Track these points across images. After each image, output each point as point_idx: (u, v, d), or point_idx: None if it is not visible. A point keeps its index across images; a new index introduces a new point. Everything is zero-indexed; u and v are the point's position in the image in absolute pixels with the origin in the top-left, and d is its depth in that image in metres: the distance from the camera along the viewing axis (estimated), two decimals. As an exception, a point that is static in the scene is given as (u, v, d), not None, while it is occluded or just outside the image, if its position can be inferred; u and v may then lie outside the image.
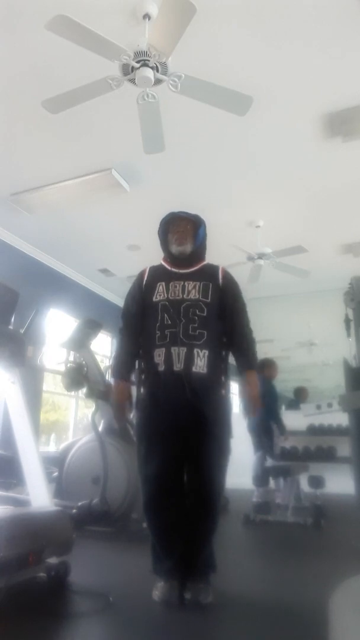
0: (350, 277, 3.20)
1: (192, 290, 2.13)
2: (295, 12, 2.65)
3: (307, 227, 5.14)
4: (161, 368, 2.04)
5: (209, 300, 2.12)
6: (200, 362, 2.03)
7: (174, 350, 2.03)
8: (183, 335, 2.04)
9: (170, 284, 2.15)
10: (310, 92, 3.24)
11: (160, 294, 2.14)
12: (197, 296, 2.11)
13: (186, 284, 2.14)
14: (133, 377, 2.23)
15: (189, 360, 2.01)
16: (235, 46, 2.88)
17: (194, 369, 2.01)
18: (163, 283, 2.16)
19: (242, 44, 2.87)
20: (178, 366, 2.01)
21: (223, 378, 2.13)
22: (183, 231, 2.24)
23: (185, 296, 2.11)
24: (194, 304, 2.10)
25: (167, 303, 2.11)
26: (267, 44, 2.86)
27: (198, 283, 2.15)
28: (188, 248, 2.22)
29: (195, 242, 2.26)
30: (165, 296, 2.12)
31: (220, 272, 2.25)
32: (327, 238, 5.41)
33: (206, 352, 2.04)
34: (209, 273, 2.23)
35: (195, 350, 2.03)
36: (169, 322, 2.07)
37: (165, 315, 2.09)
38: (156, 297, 2.14)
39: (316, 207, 4.77)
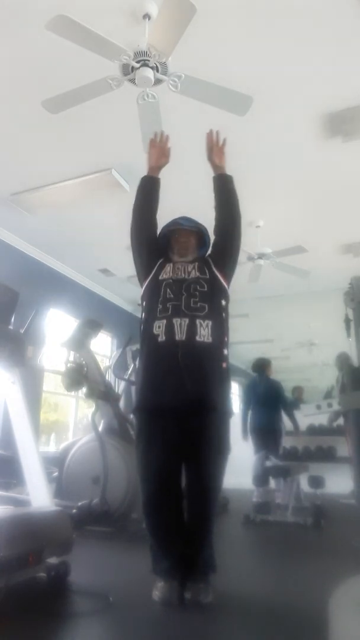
0: (350, 277, 3.21)
1: (192, 271, 2.21)
2: (295, 12, 2.65)
3: (307, 227, 5.14)
4: (161, 339, 2.05)
5: (207, 276, 2.19)
6: (204, 332, 2.05)
7: (176, 321, 2.05)
8: (185, 308, 2.08)
9: (175, 266, 2.24)
10: (310, 92, 3.24)
11: (166, 272, 2.21)
12: (197, 274, 2.19)
13: (186, 265, 2.24)
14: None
15: (192, 330, 2.04)
16: (235, 46, 2.88)
17: (197, 339, 2.03)
18: (171, 264, 2.25)
19: (242, 44, 2.87)
20: (179, 336, 2.03)
21: (225, 351, 2.15)
22: (185, 242, 2.31)
23: (186, 276, 2.19)
24: (194, 280, 2.17)
25: (171, 281, 2.17)
26: (267, 44, 2.87)
27: (196, 263, 2.24)
28: (189, 258, 2.29)
29: (198, 253, 2.34)
30: (170, 275, 2.20)
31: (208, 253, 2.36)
32: (327, 238, 5.41)
33: (209, 323, 2.08)
34: (204, 257, 2.33)
35: (197, 321, 2.06)
36: (172, 296, 2.12)
37: (168, 289, 2.14)
38: (162, 276, 2.20)
39: (316, 207, 4.77)
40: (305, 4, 2.61)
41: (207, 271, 2.21)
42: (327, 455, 5.66)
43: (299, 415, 6.02)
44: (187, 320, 2.05)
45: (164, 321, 2.07)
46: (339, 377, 4.48)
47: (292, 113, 3.45)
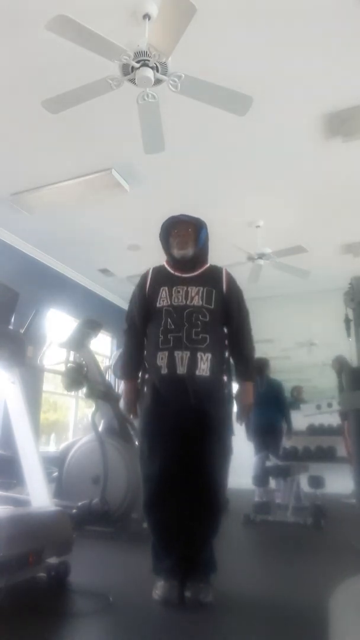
0: (350, 277, 3.20)
1: (196, 297, 2.14)
2: (295, 12, 2.65)
3: (307, 227, 5.14)
4: (164, 371, 2.06)
5: (212, 306, 2.14)
6: (204, 366, 2.05)
7: (177, 354, 2.05)
8: (186, 340, 2.06)
9: (174, 289, 2.16)
10: (310, 92, 3.24)
11: (163, 299, 2.16)
12: (201, 302, 2.13)
13: (189, 289, 2.15)
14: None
15: (193, 364, 2.04)
16: (235, 46, 2.88)
17: (197, 372, 2.03)
18: (166, 288, 2.17)
19: (242, 44, 2.87)
20: (181, 369, 2.03)
21: (225, 378, 2.17)
22: (184, 235, 2.26)
23: (188, 302, 2.12)
24: (197, 310, 2.11)
25: (170, 309, 2.12)
26: (267, 44, 2.87)
27: (201, 288, 2.16)
28: (190, 252, 2.24)
29: (197, 245, 2.27)
30: (169, 302, 2.14)
31: (224, 277, 2.27)
32: (327, 238, 5.41)
33: (209, 356, 2.07)
34: (213, 277, 2.25)
35: (198, 354, 2.05)
36: (173, 326, 2.09)
37: (169, 319, 2.11)
38: (159, 303, 2.16)
39: (316, 207, 4.77)
40: (305, 4, 2.61)
41: (213, 302, 2.14)
42: (327, 455, 5.64)
43: (299, 415, 6.02)
44: (188, 354, 2.04)
45: (166, 353, 2.07)
46: (339, 381, 4.48)
47: (292, 113, 3.45)
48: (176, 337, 2.07)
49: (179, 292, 2.15)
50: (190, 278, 2.20)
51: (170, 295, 2.15)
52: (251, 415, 5.20)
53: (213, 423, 2.04)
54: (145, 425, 2.14)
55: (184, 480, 2.05)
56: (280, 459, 4.78)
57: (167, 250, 2.31)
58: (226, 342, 2.21)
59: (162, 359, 2.07)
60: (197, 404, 2.02)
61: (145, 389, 2.19)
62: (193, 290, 2.15)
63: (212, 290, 2.17)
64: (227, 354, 2.21)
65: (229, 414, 2.16)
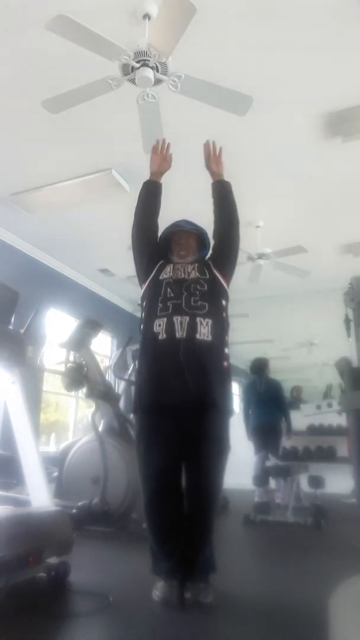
0: (350, 277, 3.20)
1: (192, 271, 2.21)
2: (295, 12, 2.65)
3: (307, 227, 5.14)
4: (162, 336, 2.05)
5: (207, 276, 2.21)
6: (204, 330, 2.06)
7: (176, 319, 2.06)
8: (186, 306, 2.09)
9: (175, 266, 2.25)
10: (310, 92, 3.24)
11: (167, 273, 2.22)
12: (197, 275, 2.20)
13: (186, 266, 2.25)
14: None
15: (193, 328, 2.04)
16: (235, 46, 2.88)
17: (197, 336, 2.03)
18: (171, 265, 2.26)
19: (242, 43, 2.87)
20: (180, 334, 2.03)
21: (226, 350, 2.16)
22: (185, 244, 2.34)
23: (186, 276, 2.19)
24: (194, 280, 2.18)
25: (171, 280, 2.18)
26: (267, 43, 2.86)
27: (196, 264, 2.26)
28: (189, 260, 2.30)
29: (198, 255, 2.35)
30: (170, 275, 2.21)
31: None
32: (327, 238, 5.41)
33: (209, 321, 2.08)
34: (204, 259, 2.35)
35: (198, 319, 2.07)
36: (172, 295, 2.13)
37: (169, 289, 2.15)
38: (162, 276, 2.21)
39: (316, 207, 4.77)
40: (305, 4, 2.61)
41: (207, 272, 2.22)
42: (327, 455, 5.64)
43: (299, 415, 6.02)
44: (187, 318, 2.05)
45: (165, 319, 2.07)
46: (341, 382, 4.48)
47: (292, 113, 3.45)
48: (175, 303, 2.10)
49: (178, 268, 2.23)
50: (188, 261, 2.30)
51: (173, 270, 2.22)
52: (250, 414, 5.24)
53: (212, 416, 2.02)
54: (140, 424, 2.13)
55: (181, 478, 2.05)
56: (279, 458, 4.79)
57: (167, 252, 2.35)
58: (224, 314, 2.21)
59: (159, 326, 2.08)
60: (196, 388, 1.97)
61: (140, 367, 2.19)
62: (189, 266, 2.24)
63: (202, 265, 2.26)
64: (226, 325, 2.20)
65: (229, 395, 2.15)
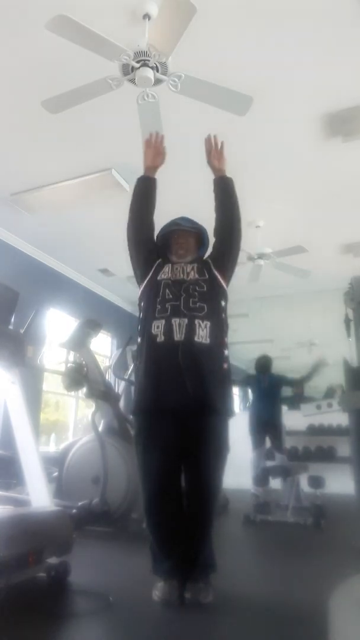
0: (350, 277, 3.20)
1: (191, 272, 2.20)
2: (295, 12, 2.65)
3: (307, 227, 5.14)
4: (160, 339, 2.04)
5: (206, 277, 2.19)
6: (203, 332, 2.04)
7: (175, 321, 2.04)
8: (184, 308, 2.07)
9: (173, 266, 2.23)
10: (310, 92, 3.24)
11: (165, 273, 2.20)
12: (196, 276, 2.18)
13: (185, 266, 2.23)
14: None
15: (191, 330, 2.02)
16: (235, 46, 2.88)
17: (196, 339, 2.02)
18: (170, 265, 2.24)
19: (242, 44, 2.87)
20: (178, 336, 2.01)
21: (226, 352, 2.15)
22: (184, 243, 2.31)
23: (185, 277, 2.18)
24: (193, 282, 2.16)
25: (170, 282, 2.16)
26: (267, 44, 2.86)
27: (195, 265, 2.24)
28: (188, 259, 2.28)
29: (197, 254, 2.33)
30: (169, 276, 2.19)
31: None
32: (327, 238, 5.41)
33: (208, 324, 2.07)
34: (203, 259, 2.33)
35: (196, 321, 2.05)
36: (171, 296, 2.11)
37: (167, 290, 2.14)
38: (161, 276, 2.19)
39: (316, 207, 4.77)
40: (305, 4, 2.61)
41: (206, 272, 2.20)
42: (327, 455, 5.66)
43: (299, 415, 6.03)
44: (186, 321, 2.03)
45: (163, 321, 2.06)
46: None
47: (292, 113, 3.45)
48: (174, 305, 2.08)
49: (177, 269, 2.21)
50: (187, 261, 2.28)
51: (171, 270, 2.20)
52: (252, 409, 5.25)
53: (211, 419, 2.02)
54: (139, 425, 2.12)
55: (181, 478, 2.05)
56: (282, 452, 4.80)
57: (165, 250, 2.33)
58: (223, 315, 2.19)
59: (157, 327, 2.06)
60: (194, 392, 1.96)
61: (138, 369, 2.16)
62: (188, 266, 2.22)
63: (201, 265, 2.24)
64: (225, 328, 2.19)
65: (229, 397, 2.13)
